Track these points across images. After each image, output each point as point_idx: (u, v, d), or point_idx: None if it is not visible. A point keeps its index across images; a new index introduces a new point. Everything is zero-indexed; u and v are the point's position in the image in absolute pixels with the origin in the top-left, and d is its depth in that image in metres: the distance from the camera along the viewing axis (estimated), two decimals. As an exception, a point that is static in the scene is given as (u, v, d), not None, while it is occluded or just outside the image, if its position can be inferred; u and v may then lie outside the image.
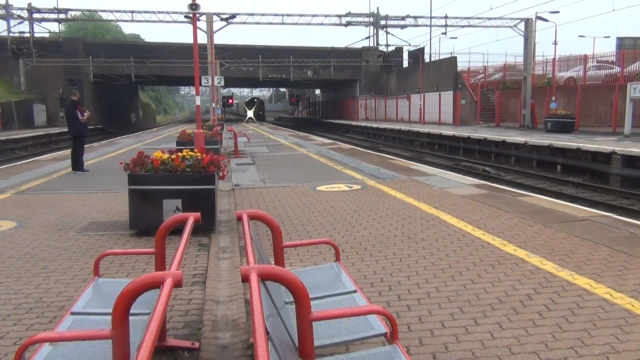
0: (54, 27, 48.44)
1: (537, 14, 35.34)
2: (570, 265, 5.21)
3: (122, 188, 8.58)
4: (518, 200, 8.91)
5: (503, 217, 7.48)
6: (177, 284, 2.15)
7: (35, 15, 41.55)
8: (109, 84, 47.26)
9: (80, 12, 43.86)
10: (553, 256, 5.53)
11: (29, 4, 41.26)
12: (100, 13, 42.77)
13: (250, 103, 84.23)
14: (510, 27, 33.90)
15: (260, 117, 76.46)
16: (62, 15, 41.26)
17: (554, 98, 28.17)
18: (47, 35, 48.45)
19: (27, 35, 43.44)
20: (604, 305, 4.21)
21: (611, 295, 4.41)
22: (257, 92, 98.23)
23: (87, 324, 2.96)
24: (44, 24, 43.91)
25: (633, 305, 4.18)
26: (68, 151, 15.11)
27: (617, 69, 27.98)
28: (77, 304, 3.19)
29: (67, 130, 14.12)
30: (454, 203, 8.65)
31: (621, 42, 42.38)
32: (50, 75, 43.23)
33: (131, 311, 2.18)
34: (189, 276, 5.12)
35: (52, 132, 33.96)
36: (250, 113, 77.72)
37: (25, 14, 41.31)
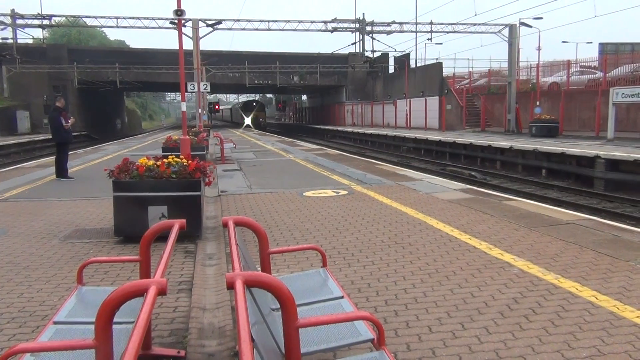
0: (38, 33, 47.98)
1: (521, 20, 35.79)
2: (556, 269, 5.24)
3: (106, 195, 8.51)
4: (504, 205, 8.96)
5: (489, 222, 7.52)
6: (161, 292, 2.12)
7: (19, 21, 41.16)
8: (93, 90, 46.90)
9: (64, 18, 43.51)
10: (539, 260, 5.56)
11: (12, 10, 40.87)
12: (84, 19, 42.47)
13: (247, 107, 68.43)
14: (495, 33, 34.28)
15: (260, 125, 61.57)
16: (46, 21, 40.89)
17: (538, 103, 28.48)
18: (30, 41, 48.00)
19: (10, 41, 42.98)
20: (589, 308, 4.24)
21: (596, 298, 4.44)
22: (243, 98, 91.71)
23: (70, 333, 2.92)
24: (27, 30, 43.57)
25: (618, 308, 4.22)
26: (52, 158, 14.95)
27: (599, 74, 28.37)
28: (59, 313, 3.14)
29: (51, 137, 13.98)
30: (440, 208, 8.68)
31: (603, 47, 43.01)
32: (34, 82, 42.83)
33: (116, 320, 2.14)
34: (175, 283, 5.07)
35: (35, 139, 33.63)
36: (248, 120, 63.85)
37: (8, 19, 40.90)
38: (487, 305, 4.34)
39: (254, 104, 69.32)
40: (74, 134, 15.19)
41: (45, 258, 5.95)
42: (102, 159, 19.21)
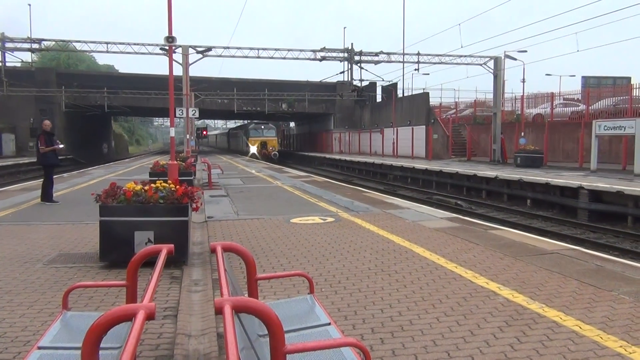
0: (27, 56, 47.97)
1: (506, 53, 36.56)
2: (541, 298, 5.29)
3: (92, 219, 8.46)
4: (489, 234, 9.04)
5: (475, 250, 7.57)
6: (150, 317, 2.13)
7: (8, 45, 41.06)
8: (81, 114, 46.77)
9: (54, 42, 43.57)
10: (524, 289, 5.61)
11: (2, 33, 40.84)
12: (74, 43, 42.40)
13: (253, 131, 54.39)
14: (480, 64, 34.86)
15: (270, 157, 48.94)
16: (35, 45, 40.81)
17: (522, 134, 28.92)
18: (19, 64, 47.92)
19: (-1, 64, 42.91)
20: (573, 337, 4.27)
21: (580, 328, 4.48)
22: (231, 125, 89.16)
23: (55, 358, 2.88)
24: (16, 53, 43.49)
25: (601, 337, 4.25)
26: (38, 181, 14.85)
27: (582, 107, 28.94)
28: (44, 338, 3.11)
29: (35, 160, 13.89)
30: (426, 236, 8.73)
31: (586, 80, 44.02)
32: (21, 105, 42.70)
33: (100, 345, 2.13)
34: (160, 309, 5.02)
35: (20, 162, 33.38)
36: (253, 149, 52.34)
37: (-3, 43, 40.87)
38: (472, 334, 4.36)
39: (262, 126, 55.58)
40: (60, 157, 15.08)
41: (28, 282, 5.88)
42: (88, 183, 19.08)
